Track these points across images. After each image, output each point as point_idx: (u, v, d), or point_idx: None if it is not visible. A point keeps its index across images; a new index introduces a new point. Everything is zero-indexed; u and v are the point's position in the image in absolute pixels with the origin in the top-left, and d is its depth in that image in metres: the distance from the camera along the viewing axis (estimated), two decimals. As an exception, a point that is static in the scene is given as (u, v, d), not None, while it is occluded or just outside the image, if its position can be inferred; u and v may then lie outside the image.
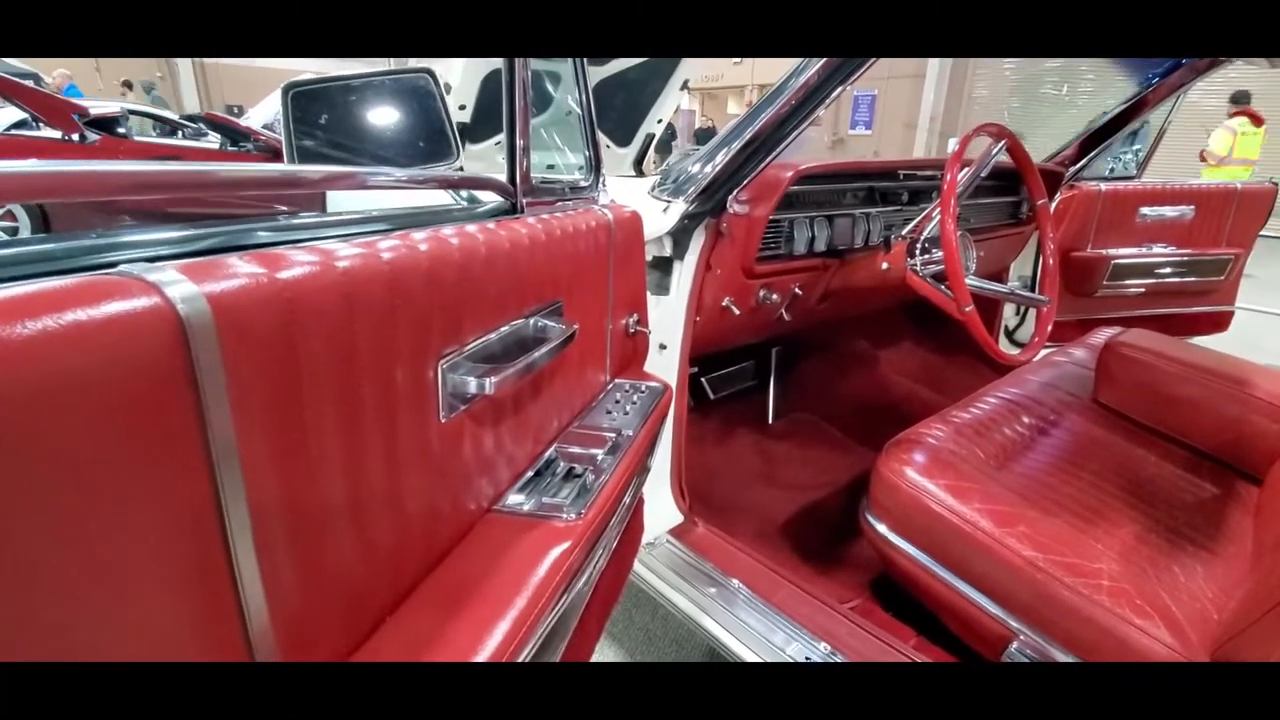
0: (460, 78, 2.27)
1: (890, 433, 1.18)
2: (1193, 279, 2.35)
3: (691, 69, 2.80)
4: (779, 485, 1.60)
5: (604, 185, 0.91)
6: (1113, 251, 2.24)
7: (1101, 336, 1.80)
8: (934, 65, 9.73)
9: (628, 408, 0.82)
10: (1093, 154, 2.04)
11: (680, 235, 1.13)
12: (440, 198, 0.91)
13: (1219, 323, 2.50)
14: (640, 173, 2.91)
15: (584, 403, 0.82)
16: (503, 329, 0.60)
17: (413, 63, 2.19)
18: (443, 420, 0.51)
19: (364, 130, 0.61)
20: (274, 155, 5.99)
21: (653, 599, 1.18)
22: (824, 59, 0.92)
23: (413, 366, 0.47)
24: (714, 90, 14.14)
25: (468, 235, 0.54)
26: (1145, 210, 2.27)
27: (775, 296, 1.26)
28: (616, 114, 2.84)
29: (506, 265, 0.58)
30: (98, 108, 5.28)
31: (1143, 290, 2.34)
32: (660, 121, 2.99)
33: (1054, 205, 2.15)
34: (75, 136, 4.92)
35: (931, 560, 1.02)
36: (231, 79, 12.45)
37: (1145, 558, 0.97)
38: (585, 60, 0.83)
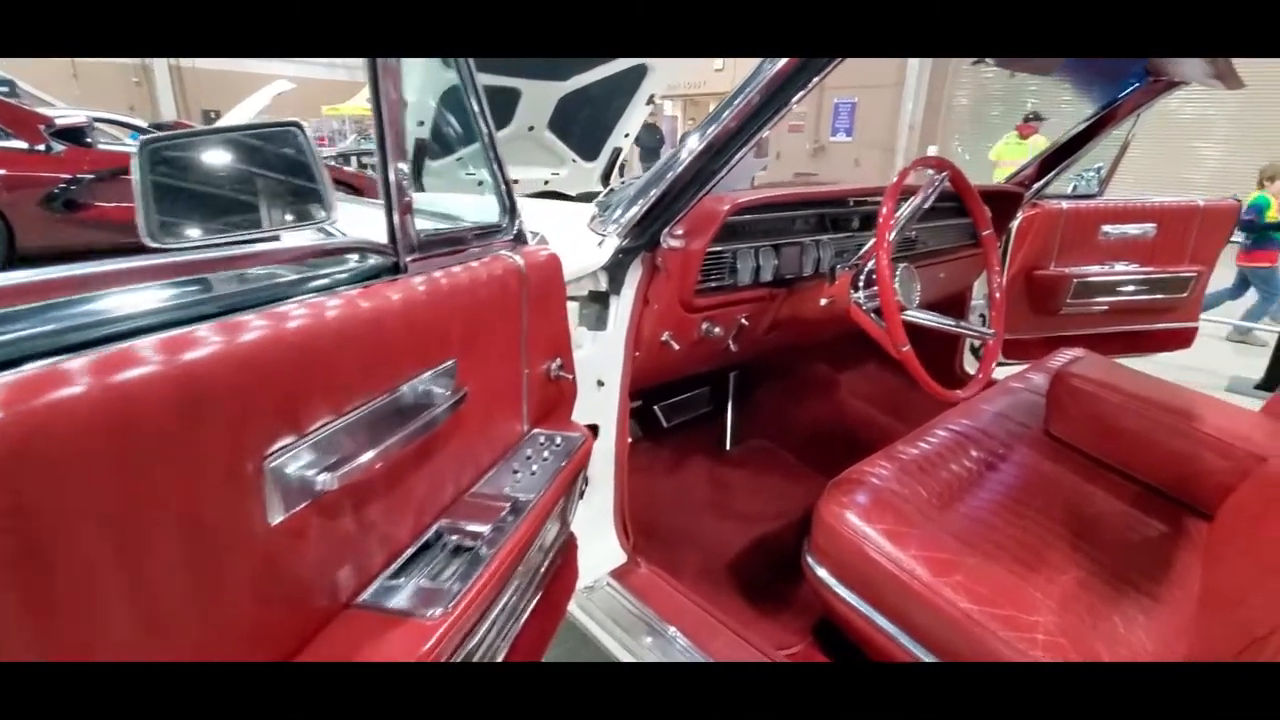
0: (417, 93, 2.22)
1: (845, 460, 1.15)
2: (1156, 296, 2.35)
3: (657, 83, 2.78)
4: (730, 516, 1.56)
5: (520, 224, 0.87)
6: (1075, 270, 2.24)
7: (1060, 359, 1.78)
8: (913, 74, 9.80)
9: (534, 467, 0.78)
10: (1053, 173, 2.03)
11: (615, 270, 1.10)
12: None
13: (1183, 339, 2.50)
14: (608, 187, 2.89)
15: (492, 459, 0.78)
16: (370, 405, 0.55)
17: (439, 65, 2.13)
18: (274, 522, 0.46)
19: (228, 189, 0.57)
20: (245, 165, 5.91)
21: (595, 644, 1.14)
22: (762, 84, 0.88)
23: (222, 473, 0.43)
24: (697, 97, 14.16)
25: (314, 313, 0.49)
26: (1107, 228, 2.26)
27: (718, 330, 1.23)
28: (581, 129, 2.81)
29: (371, 335, 0.54)
30: (64, 117, 5.18)
31: (1106, 308, 2.34)
32: (627, 136, 2.97)
33: (1016, 224, 2.14)
34: (41, 147, 4.83)
35: (871, 609, 0.99)
36: (208, 83, 12.30)
37: (1086, 606, 0.94)
38: (472, 63, 0.78)
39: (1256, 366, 3.36)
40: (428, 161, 2.47)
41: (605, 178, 3.05)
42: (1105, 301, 2.32)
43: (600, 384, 1.15)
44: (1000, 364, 2.41)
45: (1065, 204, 2.19)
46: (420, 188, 2.47)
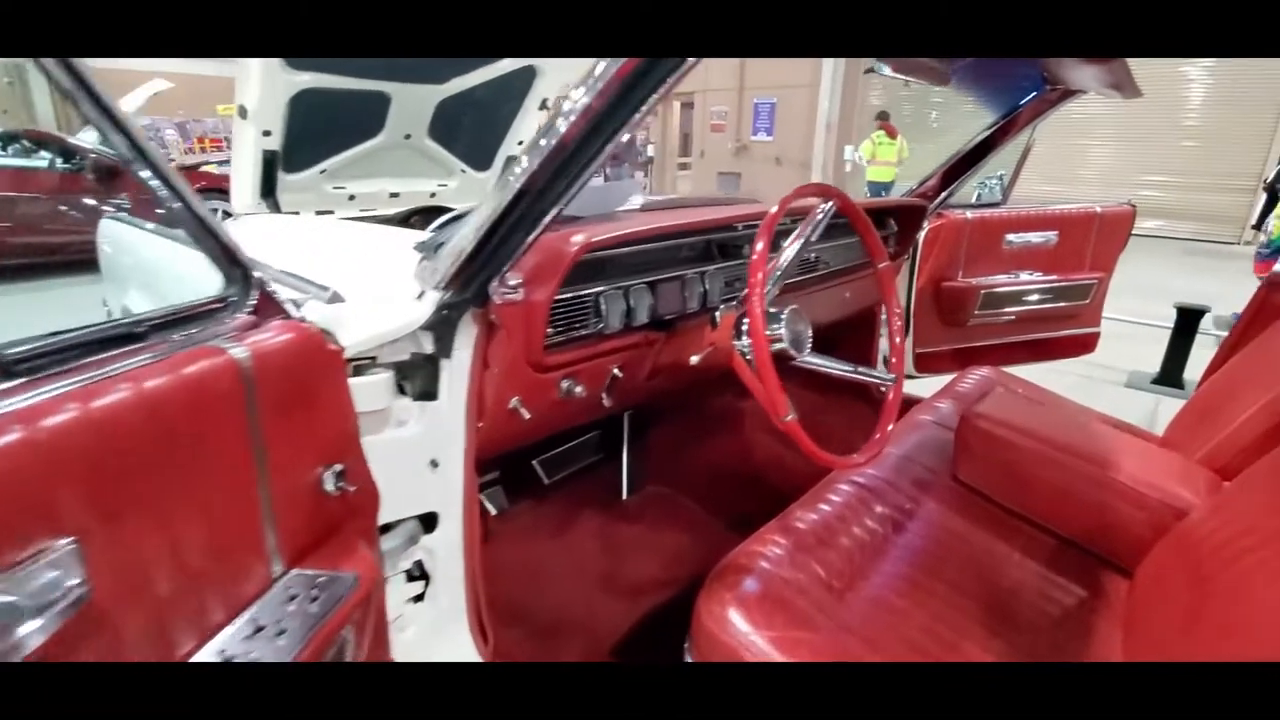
0: (258, 99, 1.92)
1: (751, 505, 0.98)
2: (1060, 304, 2.34)
3: (549, 86, 2.56)
4: (618, 586, 1.37)
5: (264, 291, 0.65)
6: (982, 281, 2.18)
7: (970, 381, 1.69)
8: (828, 75, 9.94)
9: (256, 651, 0.56)
10: (956, 184, 1.95)
11: (440, 329, 0.88)
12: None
13: (1086, 344, 2.51)
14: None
15: (193, 645, 0.55)
16: None
17: (280, 66, 1.81)
18: None
19: None
20: (106, 174, 5.34)
21: None
22: (597, 92, 0.69)
23: None
24: (619, 97, 13.98)
25: None
26: (1011, 237, 2.22)
27: (581, 389, 1.03)
28: (468, 136, 2.57)
29: None
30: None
31: (1013, 317, 2.30)
32: (521, 143, 2.74)
33: (923, 235, 2.06)
34: None
35: (758, 736, 0.82)
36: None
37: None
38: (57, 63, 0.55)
39: (1153, 359, 3.47)
40: (284, 175, 2.17)
41: (500, 189, 2.81)
42: (1012, 311, 2.28)
43: (434, 464, 0.94)
44: (910, 376, 2.34)
45: (970, 214, 2.13)
46: (275, 207, 2.17)
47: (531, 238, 0.81)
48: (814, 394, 1.93)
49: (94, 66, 0.53)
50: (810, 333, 1.05)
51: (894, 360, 1.12)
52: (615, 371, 1.12)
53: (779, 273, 1.07)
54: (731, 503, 1.62)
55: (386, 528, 0.92)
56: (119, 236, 2.06)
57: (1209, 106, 8.22)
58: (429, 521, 0.97)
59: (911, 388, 2.27)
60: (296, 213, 2.26)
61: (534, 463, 1.57)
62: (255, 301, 0.63)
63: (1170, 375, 3.36)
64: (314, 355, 0.65)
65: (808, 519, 1.06)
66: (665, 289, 1.16)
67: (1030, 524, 1.14)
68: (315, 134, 2.15)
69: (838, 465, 0.94)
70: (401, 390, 0.92)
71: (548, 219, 0.79)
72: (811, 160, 10.40)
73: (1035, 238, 2.25)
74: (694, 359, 1.07)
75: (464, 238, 0.81)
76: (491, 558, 1.42)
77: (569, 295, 1.01)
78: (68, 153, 5.44)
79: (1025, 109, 1.78)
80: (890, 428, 1.03)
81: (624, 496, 1.67)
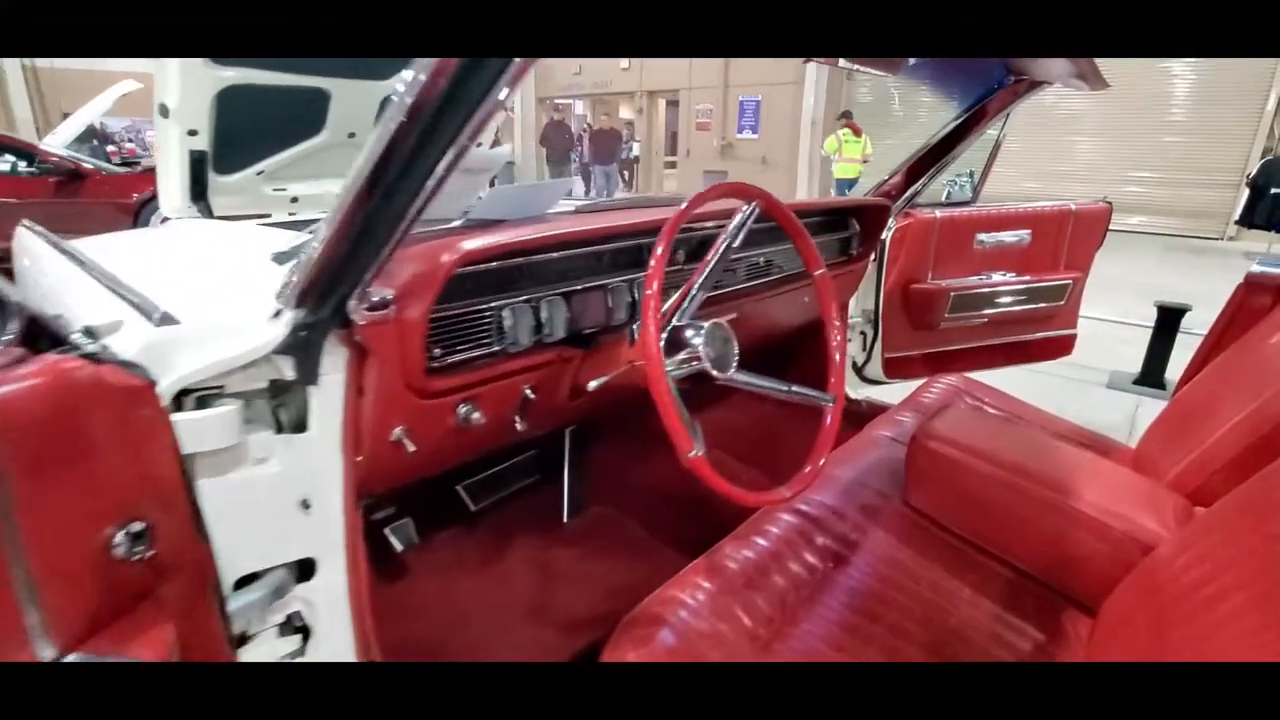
0: (179, 97, 1.80)
1: (701, 526, 0.88)
2: (1034, 305, 2.24)
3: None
4: (548, 621, 1.26)
5: (18, 321, 0.54)
6: (952, 283, 2.09)
7: (934, 391, 1.59)
8: (811, 71, 9.86)
9: None
10: (920, 182, 1.85)
11: (301, 353, 0.77)
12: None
13: (1063, 347, 2.42)
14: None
15: None
16: None
17: (201, 62, 1.67)
18: None
19: None
20: (69, 177, 5.21)
21: None
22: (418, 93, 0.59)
23: None
24: (605, 96, 13.90)
25: None
26: (983, 236, 2.13)
27: (480, 415, 0.92)
28: (420, 135, 2.44)
29: None
30: None
31: (986, 320, 2.21)
32: (480, 144, 2.62)
33: (890, 236, 1.97)
34: None
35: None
36: (68, 83, 11.26)
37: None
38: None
39: (1135, 359, 3.39)
40: (217, 177, 2.05)
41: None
42: (984, 314, 2.19)
43: (305, 505, 0.83)
44: (880, 383, 2.24)
45: (939, 212, 2.03)
46: (208, 211, 2.05)
47: (389, 248, 0.70)
48: (774, 406, 1.83)
49: (70, 67, 0.50)
50: (737, 349, 0.94)
51: (832, 379, 1.02)
52: (528, 393, 1.01)
53: (699, 283, 0.97)
54: (680, 524, 1.51)
55: (251, 578, 0.81)
56: (35, 250, 1.93)
57: (1193, 102, 8.19)
58: (306, 568, 0.86)
59: (882, 393, 2.18)
60: (268, 215, 2.13)
61: (458, 488, 1.46)
62: (13, 336, 0.52)
63: (1151, 376, 3.28)
64: (90, 396, 0.54)
65: (739, 556, 0.96)
66: (585, 300, 1.05)
67: (985, 555, 1.04)
68: (249, 133, 2.02)
69: (759, 503, 0.84)
70: (279, 421, 0.82)
71: (404, 224, 0.68)
72: (797, 157, 10.32)
73: (1007, 237, 2.15)
74: (593, 384, 0.96)
75: (314, 247, 0.71)
76: (400, 598, 1.32)
77: (460, 310, 0.90)
78: (30, 157, 5.29)
79: (992, 101, 1.68)
80: (822, 461, 0.92)
81: (564, 520, 1.56)
